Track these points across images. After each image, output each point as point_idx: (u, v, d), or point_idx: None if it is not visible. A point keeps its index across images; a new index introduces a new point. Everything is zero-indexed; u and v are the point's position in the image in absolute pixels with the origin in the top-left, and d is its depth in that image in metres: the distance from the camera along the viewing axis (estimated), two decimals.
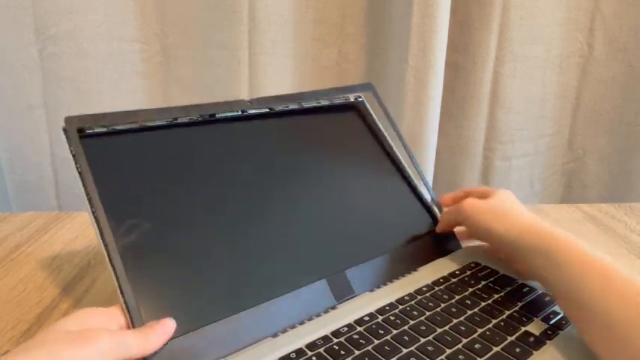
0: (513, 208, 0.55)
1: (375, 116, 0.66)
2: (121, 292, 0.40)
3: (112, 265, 0.41)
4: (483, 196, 0.59)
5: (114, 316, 0.40)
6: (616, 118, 1.10)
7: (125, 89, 0.97)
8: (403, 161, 0.65)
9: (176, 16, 0.95)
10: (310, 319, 0.47)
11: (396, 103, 0.99)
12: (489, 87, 1.05)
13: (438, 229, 0.61)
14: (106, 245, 0.42)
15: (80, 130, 0.46)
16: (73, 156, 0.44)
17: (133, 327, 0.40)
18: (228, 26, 0.93)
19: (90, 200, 0.43)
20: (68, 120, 0.45)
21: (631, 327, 0.38)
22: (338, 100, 0.65)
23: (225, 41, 0.94)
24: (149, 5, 0.94)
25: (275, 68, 0.98)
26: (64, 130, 0.45)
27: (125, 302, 0.40)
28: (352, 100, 0.66)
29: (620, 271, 0.42)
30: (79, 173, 0.44)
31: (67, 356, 0.34)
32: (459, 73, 1.06)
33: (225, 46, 0.95)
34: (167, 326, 0.40)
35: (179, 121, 0.52)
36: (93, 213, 0.43)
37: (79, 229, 0.76)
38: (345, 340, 0.44)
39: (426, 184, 0.65)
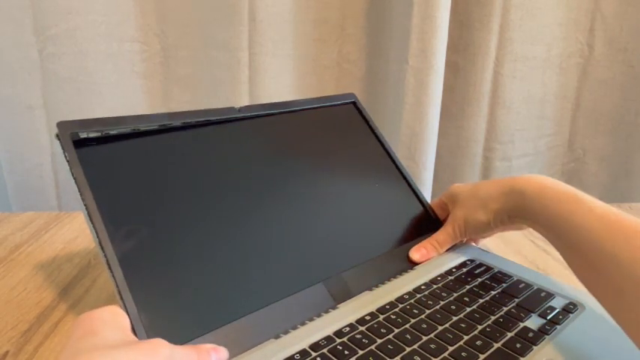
0: (477, 192, 0.57)
1: (368, 116, 0.66)
2: (122, 299, 0.40)
3: (111, 272, 0.41)
4: (451, 199, 0.62)
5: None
6: (616, 118, 1.10)
7: (125, 89, 0.97)
8: (399, 159, 0.65)
9: (176, 16, 0.95)
10: (311, 320, 0.47)
11: (396, 103, 0.99)
12: (489, 87, 1.05)
13: (439, 253, 0.60)
14: (104, 252, 0.41)
15: (74, 135, 0.45)
16: (68, 162, 0.44)
17: (135, 334, 0.39)
18: (228, 26, 0.93)
19: (87, 207, 0.43)
20: (60, 125, 0.45)
21: (637, 267, 0.38)
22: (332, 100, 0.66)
23: (225, 41, 0.94)
24: (149, 5, 0.94)
25: (275, 68, 0.98)
26: (57, 136, 0.45)
27: (126, 309, 0.40)
28: (346, 100, 0.67)
29: (622, 213, 0.42)
30: (75, 179, 0.43)
31: None
32: (459, 73, 1.06)
33: (225, 46, 0.95)
34: (221, 354, 0.39)
35: (174, 124, 0.52)
36: (90, 220, 0.42)
37: (79, 229, 0.76)
38: (348, 340, 0.44)
39: (415, 189, 0.65)
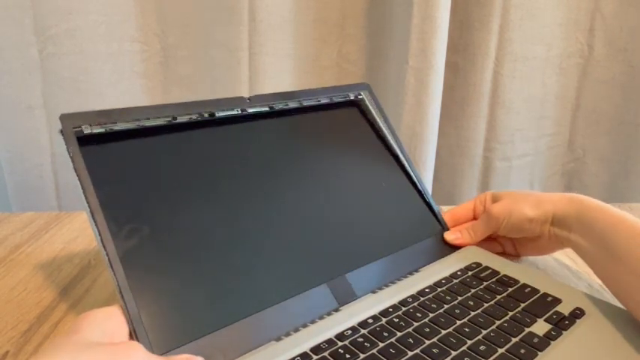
0: (530, 193, 0.60)
1: (375, 114, 0.66)
2: (122, 298, 0.40)
3: (113, 270, 0.40)
4: (493, 200, 0.62)
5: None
6: (616, 118, 1.10)
7: (125, 89, 0.97)
8: (404, 159, 0.65)
9: (176, 16, 0.95)
10: (313, 322, 0.47)
11: (396, 103, 0.99)
12: (489, 87, 1.05)
13: (473, 241, 0.62)
14: (105, 250, 0.41)
15: (78, 132, 0.45)
16: (71, 158, 0.43)
17: (135, 333, 0.39)
18: (228, 26, 0.93)
19: (89, 204, 0.42)
20: (64, 117, 0.44)
21: None
22: (338, 97, 0.65)
23: (225, 41, 0.94)
24: (149, 5, 0.94)
25: (275, 68, 0.98)
26: (61, 130, 0.44)
27: (126, 308, 0.40)
28: (352, 97, 0.66)
29: None
30: (78, 175, 0.43)
31: None
32: (458, 73, 1.06)
33: (225, 46, 0.94)
34: None
35: (178, 121, 0.51)
36: (92, 217, 0.42)
37: (79, 229, 0.76)
38: (349, 343, 0.43)
39: (423, 189, 0.64)
